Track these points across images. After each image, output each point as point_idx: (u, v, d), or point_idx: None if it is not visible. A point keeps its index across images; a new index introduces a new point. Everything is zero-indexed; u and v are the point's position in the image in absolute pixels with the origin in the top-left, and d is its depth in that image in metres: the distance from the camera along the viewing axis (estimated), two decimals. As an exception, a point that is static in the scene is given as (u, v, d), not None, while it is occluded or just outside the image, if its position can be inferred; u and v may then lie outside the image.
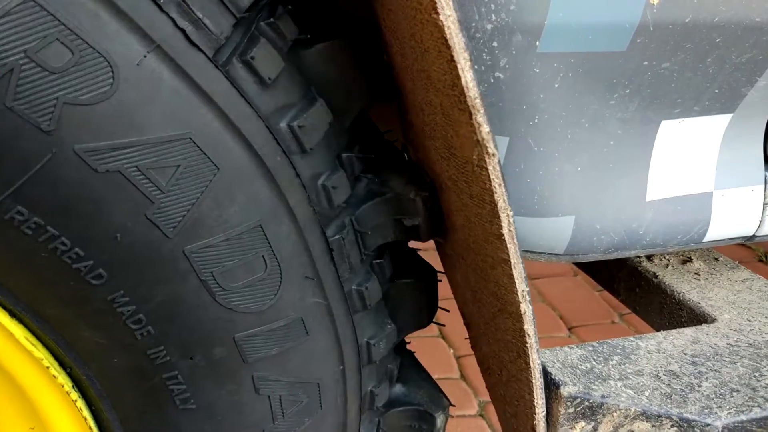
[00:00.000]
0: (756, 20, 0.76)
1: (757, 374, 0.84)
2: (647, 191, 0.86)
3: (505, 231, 0.71)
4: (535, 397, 0.81)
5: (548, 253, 0.87)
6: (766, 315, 0.95)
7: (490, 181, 0.68)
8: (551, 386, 0.81)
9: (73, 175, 0.56)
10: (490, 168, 0.67)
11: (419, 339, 2.08)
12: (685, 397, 0.80)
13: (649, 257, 1.08)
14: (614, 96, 0.78)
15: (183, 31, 0.56)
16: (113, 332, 0.65)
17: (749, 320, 0.94)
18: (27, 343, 0.65)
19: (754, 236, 0.95)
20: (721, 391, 0.81)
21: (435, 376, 1.90)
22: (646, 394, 0.81)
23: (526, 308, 0.75)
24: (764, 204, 0.92)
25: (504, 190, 0.70)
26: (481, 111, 0.64)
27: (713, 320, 0.94)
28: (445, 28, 0.58)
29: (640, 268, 1.06)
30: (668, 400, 0.80)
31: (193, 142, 0.59)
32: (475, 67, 0.71)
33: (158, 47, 0.55)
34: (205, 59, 0.58)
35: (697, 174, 0.88)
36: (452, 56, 0.59)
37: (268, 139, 0.63)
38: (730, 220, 0.92)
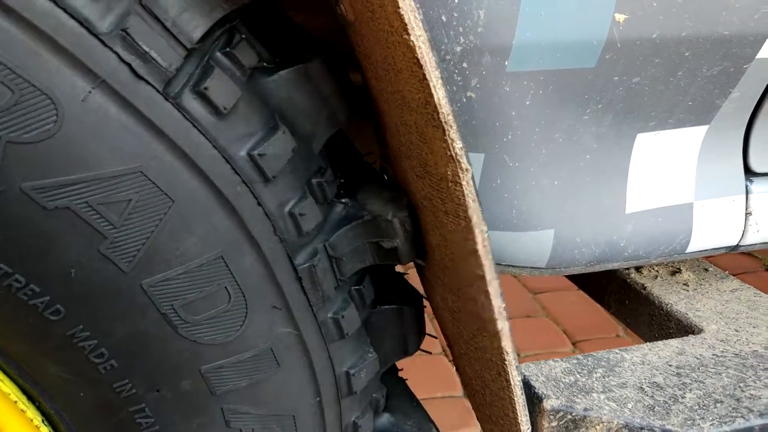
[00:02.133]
0: (724, 33, 0.72)
1: (741, 384, 0.80)
2: (627, 203, 0.83)
3: (479, 246, 0.68)
4: (518, 414, 0.78)
5: (530, 267, 0.84)
6: (753, 325, 0.91)
7: (464, 196, 0.65)
8: (534, 400, 0.78)
9: (22, 212, 0.54)
10: (464, 183, 0.65)
11: (422, 357, 2.05)
12: (668, 408, 0.77)
13: (637, 269, 1.04)
14: (587, 111, 0.75)
15: (129, 65, 0.54)
16: (77, 367, 0.62)
17: (736, 330, 0.90)
18: (-7, 379, 0.63)
19: (738, 246, 0.91)
20: (705, 402, 0.77)
21: (437, 395, 1.88)
22: (629, 406, 0.77)
23: (502, 325, 0.72)
24: (746, 214, 0.89)
25: (478, 205, 0.67)
26: (454, 127, 0.62)
27: (700, 331, 0.90)
28: (417, 48, 0.57)
29: (628, 280, 1.02)
30: (651, 412, 0.76)
31: (145, 176, 0.57)
32: (448, 87, 0.69)
33: (103, 82, 0.53)
34: (154, 92, 0.56)
35: (676, 185, 0.85)
36: (424, 75, 0.58)
37: (225, 169, 0.61)
38: (713, 230, 0.88)
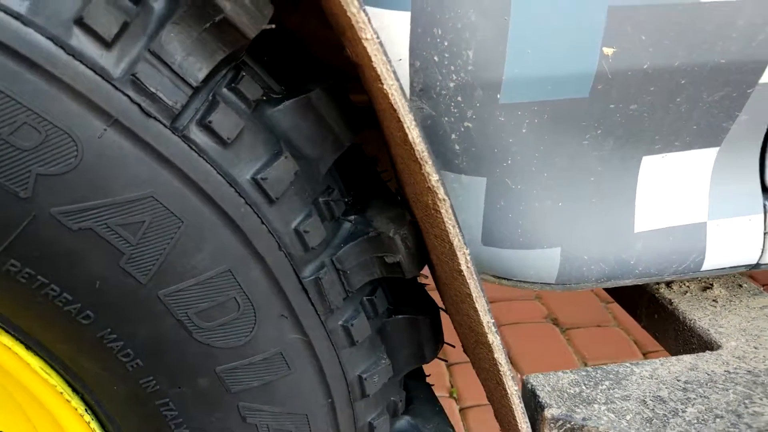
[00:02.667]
0: (721, 62, 0.73)
1: (747, 401, 0.79)
2: (635, 223, 0.84)
3: (463, 268, 0.73)
4: (519, 421, 0.81)
5: (541, 283, 0.86)
6: (776, 343, 0.89)
7: (444, 223, 0.70)
8: (538, 408, 0.81)
9: (52, 233, 0.63)
10: (442, 211, 0.70)
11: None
12: (665, 422, 0.77)
13: (668, 284, 1.03)
14: (586, 137, 0.77)
15: (138, 105, 0.62)
16: (108, 364, 0.71)
17: (755, 348, 0.88)
18: (42, 372, 0.73)
19: (758, 264, 0.89)
20: (705, 417, 0.77)
21: (468, 404, 1.88)
22: (627, 418, 0.78)
23: (493, 339, 0.76)
24: (765, 233, 0.87)
25: (458, 231, 0.71)
26: (429, 162, 0.67)
27: (718, 347, 0.90)
28: (390, 95, 0.63)
29: (657, 295, 1.02)
30: (648, 425, 0.77)
31: (157, 200, 0.65)
32: (445, 119, 0.74)
33: (116, 121, 0.61)
34: (162, 127, 0.63)
35: (688, 205, 0.85)
36: (399, 117, 0.64)
37: (230, 192, 0.68)
38: (728, 249, 0.87)
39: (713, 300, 0.99)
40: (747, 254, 0.88)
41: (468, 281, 0.71)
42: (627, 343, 2.22)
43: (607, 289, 1.18)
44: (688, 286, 1.02)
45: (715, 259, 0.87)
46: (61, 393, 0.74)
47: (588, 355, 2.17)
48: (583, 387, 0.83)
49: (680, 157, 0.81)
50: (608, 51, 0.70)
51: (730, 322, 0.94)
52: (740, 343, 0.89)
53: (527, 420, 0.80)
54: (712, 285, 1.02)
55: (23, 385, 0.75)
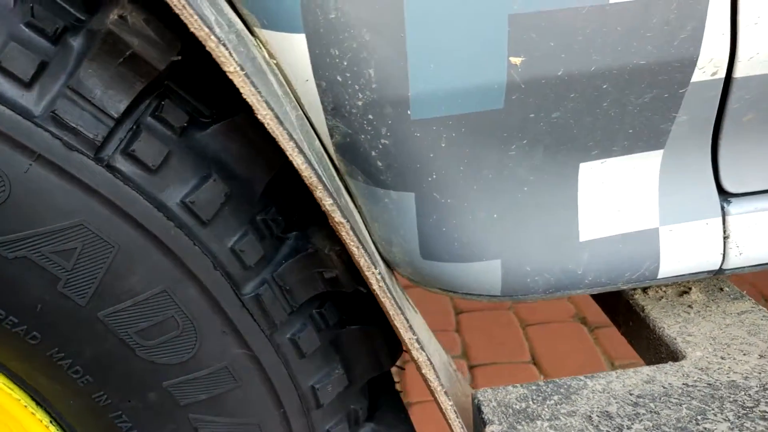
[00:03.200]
0: (641, 63, 0.70)
1: (700, 417, 0.75)
2: (580, 232, 0.81)
3: (375, 287, 0.73)
4: (456, 437, 0.80)
5: (487, 295, 0.85)
6: (744, 352, 0.85)
7: (348, 244, 0.70)
8: (481, 425, 0.79)
9: None
10: (343, 234, 0.70)
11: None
12: (608, 440, 0.75)
13: (644, 289, 1.00)
14: (512, 147, 0.74)
15: (60, 139, 0.66)
16: (61, 380, 0.75)
17: (722, 358, 0.84)
18: (5, 387, 0.78)
19: (722, 270, 0.85)
20: (650, 434, 0.75)
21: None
22: (569, 435, 0.76)
23: (418, 355, 0.76)
24: (725, 237, 0.83)
25: (363, 251, 0.71)
26: (320, 187, 0.68)
27: (682, 357, 0.86)
28: (266, 125, 0.64)
29: (631, 301, 0.99)
30: (588, 443, 0.75)
31: (87, 228, 0.68)
32: (362, 136, 0.73)
33: (40, 156, 0.65)
34: (86, 159, 0.67)
35: (636, 211, 0.81)
36: (282, 146, 0.65)
37: (157, 217, 0.70)
38: (685, 255, 0.83)
39: (688, 306, 0.95)
40: (707, 259, 0.84)
41: (382, 300, 0.71)
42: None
43: (592, 296, 1.16)
44: (665, 291, 0.98)
45: (671, 266, 0.83)
46: (26, 407, 0.79)
47: (615, 354, 2.11)
48: (530, 402, 0.80)
49: (622, 162, 0.78)
50: (516, 60, 0.68)
51: (701, 330, 0.90)
52: (706, 353, 0.85)
53: None
54: (690, 290, 0.98)
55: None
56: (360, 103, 0.70)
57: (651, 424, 0.75)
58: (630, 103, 0.73)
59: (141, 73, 0.67)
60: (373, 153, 0.74)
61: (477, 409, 0.81)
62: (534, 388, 0.83)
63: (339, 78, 0.69)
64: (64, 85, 0.65)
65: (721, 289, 0.98)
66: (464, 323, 2.35)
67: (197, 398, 0.78)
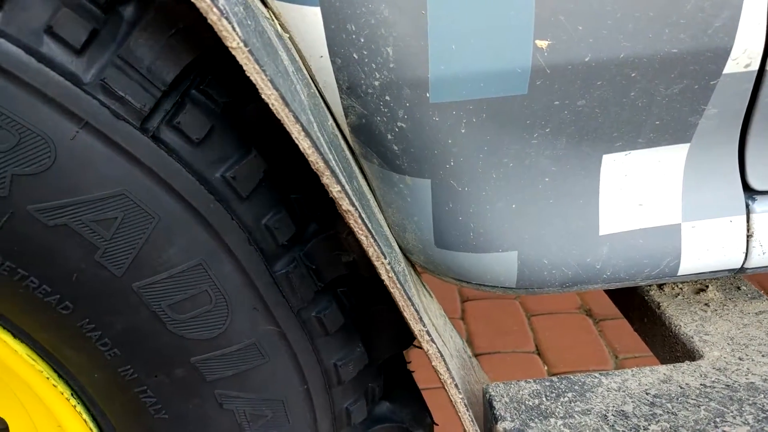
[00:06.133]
0: (672, 51, 0.67)
1: (718, 419, 0.73)
2: (600, 225, 0.79)
3: (384, 277, 0.71)
4: (468, 429, 0.78)
5: (501, 287, 0.83)
6: (763, 353, 0.83)
7: (357, 233, 0.69)
8: (492, 420, 0.77)
9: (30, 228, 0.66)
10: (351, 222, 0.68)
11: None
12: (623, 440, 0.72)
13: (660, 286, 1.00)
14: (534, 136, 0.71)
15: (108, 108, 0.65)
16: (88, 352, 0.74)
17: (740, 359, 0.83)
18: (28, 358, 0.76)
19: (743, 269, 0.85)
20: (667, 436, 0.72)
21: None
22: (583, 435, 0.73)
23: (428, 347, 0.74)
24: (748, 235, 0.83)
25: (373, 241, 0.68)
26: (327, 173, 0.64)
27: (700, 357, 0.85)
28: (271, 105, 0.61)
29: (646, 298, 0.98)
30: (603, 443, 0.73)
31: (128, 197, 0.67)
32: (378, 118, 0.69)
33: (87, 124, 0.64)
34: (132, 128, 0.66)
35: (659, 206, 0.79)
36: (288, 128, 0.62)
37: (199, 189, 0.69)
38: (707, 252, 0.82)
39: (705, 304, 0.95)
40: (729, 258, 0.83)
41: (392, 290, 0.69)
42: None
43: (606, 291, 1.15)
44: (681, 289, 0.98)
45: (692, 263, 0.83)
46: (48, 378, 0.77)
47: (620, 348, 2.11)
48: (544, 399, 0.78)
49: (646, 155, 0.76)
50: (542, 44, 0.65)
51: (718, 329, 0.90)
52: (724, 353, 0.85)
53: (476, 428, 0.77)
54: (707, 287, 0.97)
55: (14, 372, 0.78)
56: (377, 83, 0.67)
57: (668, 426, 0.73)
58: (659, 94, 0.70)
59: (190, 46, 0.66)
60: (389, 136, 0.70)
61: (488, 404, 0.79)
62: (547, 384, 0.80)
63: (355, 55, 0.65)
64: (114, 53, 0.65)
65: (738, 288, 0.98)
66: (469, 311, 2.33)
67: (224, 374, 0.77)
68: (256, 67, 0.58)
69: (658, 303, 0.95)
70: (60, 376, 0.78)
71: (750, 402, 0.76)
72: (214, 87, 0.70)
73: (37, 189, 0.65)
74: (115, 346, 0.74)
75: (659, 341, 0.96)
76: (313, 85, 0.72)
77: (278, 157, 0.75)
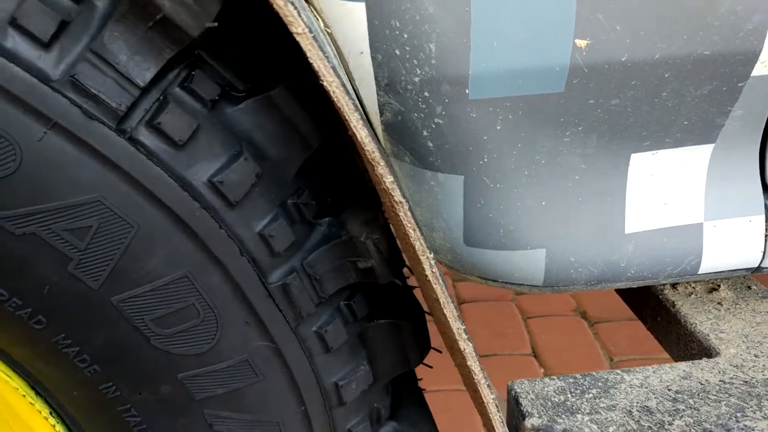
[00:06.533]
0: (705, 53, 0.65)
1: (739, 414, 0.71)
2: (626, 223, 0.76)
3: (428, 273, 0.67)
4: (497, 429, 0.75)
5: (527, 285, 0.80)
6: (779, 351, 0.81)
7: (404, 226, 0.65)
8: (519, 417, 0.75)
9: None
10: (401, 215, 0.64)
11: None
12: (649, 435, 0.71)
13: (673, 285, 0.95)
14: (567, 133, 0.69)
15: (79, 107, 0.58)
16: (65, 369, 0.67)
17: (756, 356, 0.80)
18: (2, 374, 0.70)
19: (760, 268, 0.81)
20: (692, 430, 0.70)
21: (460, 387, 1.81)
22: (610, 430, 0.71)
23: (464, 345, 0.70)
24: (766, 235, 0.79)
25: (419, 234, 0.65)
26: (381, 163, 0.61)
27: (716, 354, 0.82)
28: (331, 93, 0.57)
29: (661, 297, 0.94)
30: (631, 438, 0.71)
31: (104, 204, 0.60)
32: (415, 114, 0.67)
33: (56, 124, 0.57)
34: (107, 129, 0.59)
35: (683, 205, 0.76)
36: (344, 117, 0.58)
37: (183, 196, 0.62)
38: (727, 251, 0.79)
39: (718, 303, 0.91)
40: (747, 257, 0.79)
41: (434, 287, 0.65)
42: (655, 340, 2.12)
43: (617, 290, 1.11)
44: (694, 288, 0.94)
45: (712, 262, 0.79)
46: (24, 396, 0.71)
47: (615, 350, 2.08)
48: (569, 395, 0.76)
49: (672, 155, 0.73)
50: (581, 43, 0.62)
51: (732, 327, 0.86)
52: (740, 350, 0.81)
53: (506, 429, 0.74)
54: (719, 287, 0.94)
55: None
56: (417, 79, 0.64)
57: (692, 421, 0.72)
58: (689, 94, 0.68)
59: (172, 39, 0.59)
60: (425, 132, 0.68)
61: (514, 401, 0.76)
62: (571, 381, 0.78)
63: (397, 51, 0.63)
64: (87, 48, 0.57)
65: (749, 287, 0.94)
66: (466, 313, 2.29)
67: (214, 392, 0.71)
68: (320, 53, 0.54)
69: (673, 302, 0.91)
70: (37, 393, 0.72)
71: None
72: (201, 83, 0.63)
73: (3, 195, 0.58)
74: (94, 362, 0.67)
75: (674, 339, 0.92)
76: (350, 82, 0.68)
77: (275, 160, 0.68)
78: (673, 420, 0.71)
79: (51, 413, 0.72)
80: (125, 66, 0.58)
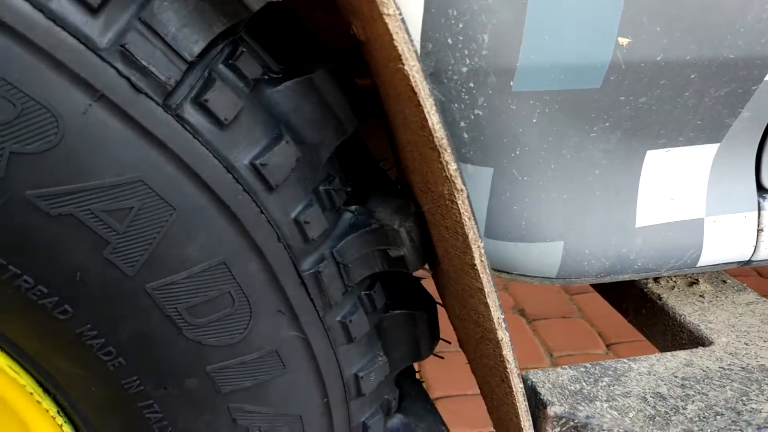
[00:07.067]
0: (729, 56, 0.68)
1: (744, 398, 0.74)
2: (636, 217, 0.78)
3: (477, 261, 0.66)
4: (522, 419, 0.75)
5: (541, 277, 0.80)
6: (764, 339, 0.85)
7: (460, 214, 0.63)
8: (539, 406, 0.74)
9: (27, 218, 0.53)
10: (459, 202, 0.63)
11: (450, 354, 2.01)
12: (668, 419, 0.72)
13: (655, 279, 0.99)
14: (594, 129, 0.70)
15: (128, 79, 0.53)
16: (87, 363, 0.62)
17: (746, 344, 0.84)
18: (10, 371, 0.63)
19: (750, 261, 0.85)
20: (705, 414, 0.73)
21: (469, 392, 1.84)
22: (630, 415, 0.73)
23: (503, 335, 0.69)
24: (758, 230, 0.83)
25: (474, 223, 0.64)
26: (449, 150, 0.60)
27: (710, 343, 0.85)
28: (411, 77, 0.56)
29: (645, 290, 0.97)
30: (651, 422, 0.72)
31: (146, 185, 0.56)
32: (455, 105, 0.66)
33: (103, 96, 0.52)
34: (154, 104, 0.54)
35: (687, 201, 0.80)
36: (419, 101, 0.56)
37: (226, 178, 0.59)
38: (724, 245, 0.82)
39: (700, 296, 0.95)
40: (740, 250, 0.83)
41: (481, 276, 0.65)
42: (592, 334, 2.20)
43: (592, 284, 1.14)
44: (675, 282, 0.98)
45: (710, 255, 0.82)
46: (31, 394, 0.65)
47: (553, 346, 2.14)
48: (584, 384, 0.77)
49: (683, 152, 0.76)
50: (623, 41, 0.64)
51: (718, 318, 0.90)
52: (731, 339, 0.85)
53: (530, 418, 0.74)
54: (697, 280, 0.98)
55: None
56: (465, 69, 0.64)
57: (703, 405, 0.74)
58: (708, 95, 0.71)
59: (226, 12, 0.56)
60: (462, 123, 0.67)
61: (532, 391, 0.76)
62: (582, 370, 0.80)
63: (450, 41, 0.62)
64: (135, 16, 0.53)
65: (724, 281, 0.99)
66: None
67: (241, 385, 0.67)
68: (405, 36, 0.52)
69: (659, 295, 0.95)
70: (46, 390, 0.66)
71: (767, 382, 0.78)
72: (245, 61, 0.60)
73: (40, 171, 0.52)
74: (119, 355, 0.62)
75: (660, 330, 0.95)
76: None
77: (310, 144, 0.66)
78: (686, 405, 0.73)
79: (59, 412, 0.66)
80: (174, 38, 0.54)
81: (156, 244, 0.58)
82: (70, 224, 0.54)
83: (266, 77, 0.62)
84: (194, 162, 0.57)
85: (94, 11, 0.51)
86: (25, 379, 0.64)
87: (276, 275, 0.64)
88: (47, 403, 0.65)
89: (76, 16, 0.50)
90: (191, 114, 0.56)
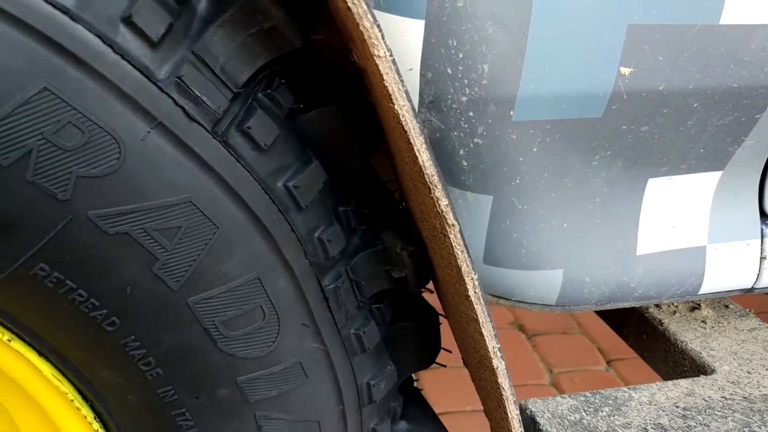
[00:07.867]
0: (733, 86, 0.75)
1: (746, 429, 0.81)
2: (638, 245, 0.85)
3: (471, 293, 0.72)
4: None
5: (540, 304, 0.86)
6: (766, 367, 0.92)
7: (452, 248, 0.69)
8: (537, 435, 0.81)
9: (87, 236, 0.61)
10: (451, 237, 0.69)
11: (456, 371, 2.06)
12: (670, 450, 0.78)
13: (656, 304, 1.05)
14: (596, 157, 0.77)
15: (182, 108, 0.60)
16: (127, 372, 0.69)
17: (749, 372, 0.91)
18: (53, 379, 0.70)
19: (752, 288, 0.92)
20: (707, 446, 0.78)
21: (468, 408, 1.89)
22: (631, 447, 0.78)
23: (498, 364, 0.75)
24: (761, 258, 0.89)
25: (467, 256, 0.71)
26: (439, 186, 0.66)
27: (712, 371, 0.91)
28: (401, 116, 0.62)
29: (647, 315, 1.04)
30: (652, 453, 0.78)
31: (194, 205, 0.63)
32: (455, 133, 0.72)
33: (160, 124, 0.60)
34: (204, 131, 0.62)
35: (689, 229, 0.87)
36: (409, 139, 0.63)
37: (264, 199, 0.67)
38: (726, 273, 0.89)
39: (702, 321, 1.02)
40: (743, 278, 0.90)
41: (475, 307, 0.70)
42: (592, 351, 2.26)
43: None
44: (677, 307, 1.04)
45: (712, 283, 0.89)
46: (72, 401, 0.71)
47: (553, 362, 2.19)
48: (583, 413, 0.83)
49: (685, 180, 0.83)
50: (625, 71, 0.70)
51: (720, 345, 0.96)
52: (733, 367, 0.92)
53: None
54: (699, 306, 1.05)
55: (28, 393, 0.70)
56: (464, 98, 0.69)
57: None
58: (711, 124, 0.77)
59: (271, 47, 0.64)
60: (461, 152, 0.73)
61: (531, 420, 0.82)
62: (582, 399, 0.86)
63: (449, 70, 0.67)
64: (189, 49, 0.60)
65: (727, 306, 1.05)
66: None
67: (268, 395, 0.74)
68: (396, 77, 0.58)
69: (660, 320, 1.01)
70: (85, 398, 0.71)
71: None
72: (282, 92, 0.67)
73: (102, 193, 0.60)
74: (158, 365, 0.69)
75: (661, 356, 1.01)
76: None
77: (333, 167, 0.72)
78: (688, 436, 0.80)
79: (95, 418, 0.72)
80: (222, 69, 0.62)
81: (200, 260, 0.64)
82: (124, 242, 0.61)
83: (297, 105, 0.68)
84: (237, 184, 0.64)
85: (154, 45, 0.59)
86: (66, 387, 0.70)
87: (302, 290, 0.71)
88: (85, 410, 0.71)
89: (138, 49, 0.58)
90: (236, 140, 0.64)
